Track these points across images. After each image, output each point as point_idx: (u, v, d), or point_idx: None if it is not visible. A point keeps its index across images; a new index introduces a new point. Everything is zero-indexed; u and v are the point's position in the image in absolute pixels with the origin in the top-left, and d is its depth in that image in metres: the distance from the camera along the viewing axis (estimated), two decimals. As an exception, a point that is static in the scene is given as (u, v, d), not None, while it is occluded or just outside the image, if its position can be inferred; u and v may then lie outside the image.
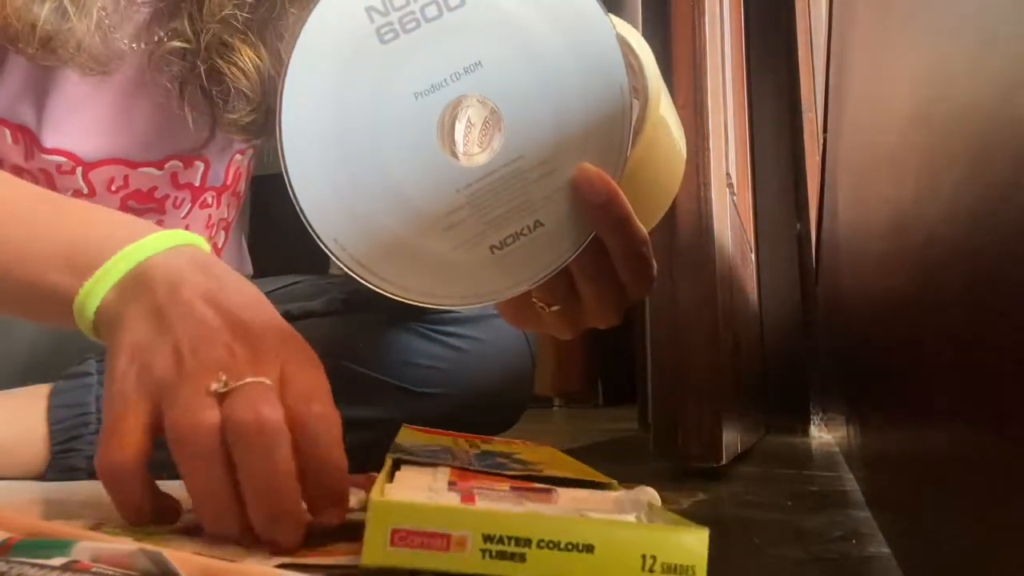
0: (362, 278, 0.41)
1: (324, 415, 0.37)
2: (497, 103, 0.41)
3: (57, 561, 0.28)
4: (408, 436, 0.55)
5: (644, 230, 0.43)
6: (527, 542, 0.30)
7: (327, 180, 0.41)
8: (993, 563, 0.22)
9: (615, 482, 0.44)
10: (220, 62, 0.67)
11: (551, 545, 0.30)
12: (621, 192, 0.41)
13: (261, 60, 0.68)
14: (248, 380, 0.36)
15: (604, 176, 0.41)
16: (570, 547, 0.30)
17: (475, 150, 0.42)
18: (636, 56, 0.45)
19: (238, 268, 0.95)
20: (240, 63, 0.67)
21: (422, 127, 0.41)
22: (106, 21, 0.64)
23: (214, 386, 0.36)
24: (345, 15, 0.41)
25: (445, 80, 0.41)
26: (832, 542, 0.47)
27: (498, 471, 0.43)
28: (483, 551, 0.30)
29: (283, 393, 0.37)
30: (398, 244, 0.41)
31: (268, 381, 0.37)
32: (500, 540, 0.30)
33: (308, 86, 0.41)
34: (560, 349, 2.75)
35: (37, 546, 0.30)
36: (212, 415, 0.35)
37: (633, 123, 0.42)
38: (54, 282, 0.44)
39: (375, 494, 0.31)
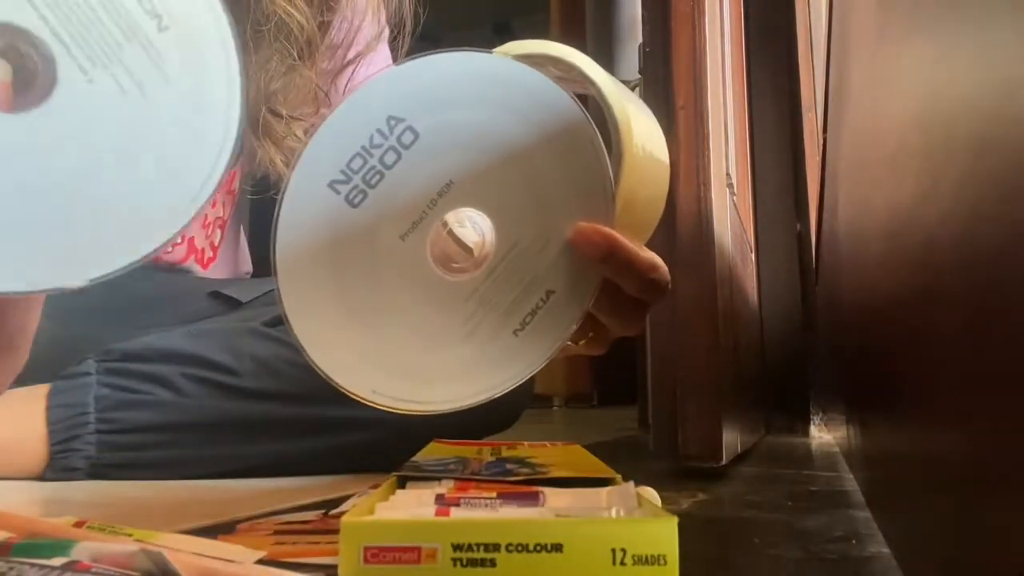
0: (411, 411, 0.42)
1: None
2: (478, 208, 0.42)
3: (57, 561, 0.28)
4: (429, 451, 0.55)
5: (650, 256, 0.43)
6: (496, 547, 0.30)
7: (343, 342, 0.42)
8: (993, 563, 0.22)
9: (619, 476, 0.44)
10: None
11: (520, 548, 0.30)
12: (619, 237, 0.41)
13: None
14: None
15: (600, 229, 0.41)
16: (539, 548, 0.30)
17: (473, 257, 0.43)
18: (593, 83, 0.46)
19: (236, 266, 0.95)
20: None
21: (416, 262, 0.42)
22: None
23: None
24: (312, 196, 0.42)
25: (424, 212, 0.42)
26: (832, 542, 0.47)
27: (502, 478, 0.43)
28: (454, 560, 0.30)
29: None
30: (430, 369, 0.42)
31: None
32: (469, 548, 0.30)
33: (300, 263, 0.42)
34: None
35: (37, 546, 0.30)
36: None
37: (610, 160, 0.42)
38: None
39: (348, 515, 0.32)
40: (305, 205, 0.42)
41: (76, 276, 0.32)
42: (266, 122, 0.68)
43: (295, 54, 0.68)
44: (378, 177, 0.42)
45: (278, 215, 0.42)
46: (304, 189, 0.42)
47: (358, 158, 0.42)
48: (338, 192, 0.42)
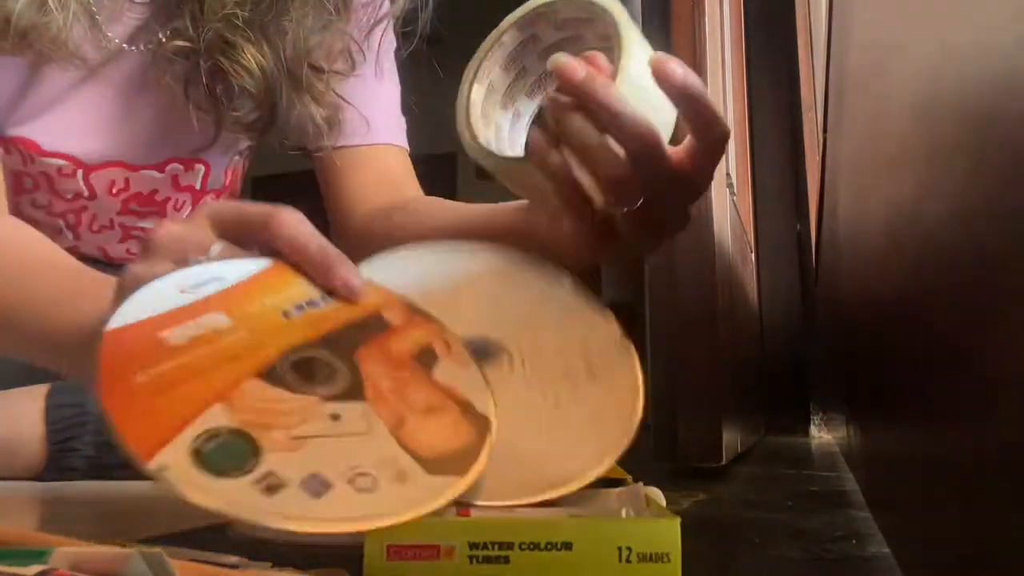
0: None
1: None
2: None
3: (32, 570, 0.27)
4: None
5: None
6: (509, 545, 0.32)
7: None
8: (992, 563, 0.22)
9: (630, 477, 0.44)
10: (223, 60, 0.66)
11: (532, 546, 0.32)
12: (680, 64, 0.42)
13: (264, 57, 0.67)
14: None
15: (675, 59, 0.41)
16: (550, 546, 0.32)
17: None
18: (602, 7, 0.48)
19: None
20: (243, 61, 0.66)
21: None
22: (95, 15, 0.64)
23: None
24: None
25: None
26: (832, 542, 0.47)
27: None
28: (471, 557, 0.32)
29: None
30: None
31: None
32: (485, 546, 0.32)
33: None
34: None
35: (11, 555, 0.28)
36: None
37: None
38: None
39: None
40: None
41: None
42: (308, 78, 0.69)
43: (331, 9, 0.69)
44: None
45: None
46: None
47: None
48: None
